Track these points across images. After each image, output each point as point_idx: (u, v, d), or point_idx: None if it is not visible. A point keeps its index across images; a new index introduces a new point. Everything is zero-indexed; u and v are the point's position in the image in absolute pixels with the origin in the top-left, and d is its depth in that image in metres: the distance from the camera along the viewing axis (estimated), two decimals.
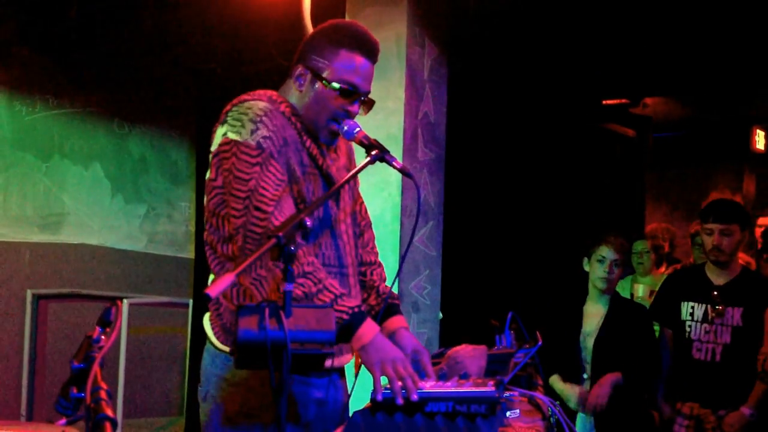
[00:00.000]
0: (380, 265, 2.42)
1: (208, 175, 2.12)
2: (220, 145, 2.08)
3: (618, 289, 4.06)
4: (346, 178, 2.10)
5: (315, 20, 4.46)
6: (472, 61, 5.56)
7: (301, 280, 1.96)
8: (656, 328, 4.12)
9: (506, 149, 6.29)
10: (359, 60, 2.13)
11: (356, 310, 2.02)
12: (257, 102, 2.10)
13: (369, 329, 2.02)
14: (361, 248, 2.37)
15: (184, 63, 6.13)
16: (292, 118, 2.13)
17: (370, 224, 2.45)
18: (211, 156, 2.12)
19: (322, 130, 2.16)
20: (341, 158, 2.28)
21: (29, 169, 5.62)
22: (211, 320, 2.18)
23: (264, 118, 2.05)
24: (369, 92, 2.18)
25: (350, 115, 2.15)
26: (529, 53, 5.93)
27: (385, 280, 2.40)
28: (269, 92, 2.17)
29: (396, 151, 4.34)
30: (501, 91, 6.15)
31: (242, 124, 2.05)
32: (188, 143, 6.39)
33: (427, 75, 4.61)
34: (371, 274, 2.37)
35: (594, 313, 3.86)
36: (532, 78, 6.21)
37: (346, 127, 2.16)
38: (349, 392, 2.30)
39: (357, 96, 2.14)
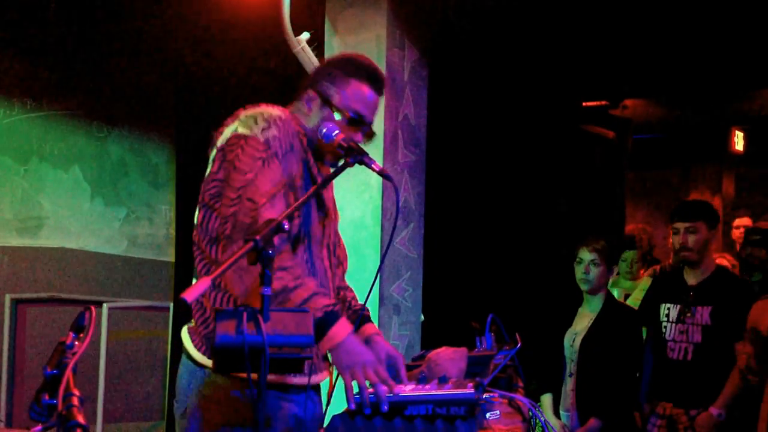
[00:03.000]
0: (351, 289, 2.46)
1: (209, 169, 2.14)
2: (228, 139, 2.12)
3: None
4: (322, 181, 2.10)
5: (294, 24, 4.44)
6: (452, 63, 5.57)
7: (280, 273, 1.94)
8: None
9: (487, 151, 6.31)
10: (368, 91, 2.22)
11: (330, 309, 2.01)
12: (274, 109, 2.17)
13: (341, 330, 2.01)
14: (338, 279, 2.40)
15: (164, 66, 6.10)
16: (300, 134, 2.18)
17: (346, 257, 2.48)
18: (216, 151, 2.14)
19: (328, 154, 2.22)
20: (329, 189, 2.35)
21: (7, 172, 5.56)
22: (191, 332, 2.13)
23: (278, 121, 2.12)
24: (372, 123, 2.25)
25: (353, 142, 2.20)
26: (508, 55, 5.94)
27: (355, 299, 2.43)
28: (284, 108, 2.24)
29: (376, 153, 4.34)
30: (481, 93, 6.17)
31: (255, 121, 2.11)
32: (168, 146, 6.35)
33: (407, 77, 4.61)
34: (344, 295, 2.41)
35: (586, 314, 3.91)
36: (512, 80, 6.22)
37: (324, 130, 2.17)
38: (325, 406, 2.30)
39: (363, 125, 2.21)
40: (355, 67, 2.23)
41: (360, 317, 2.29)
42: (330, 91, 2.20)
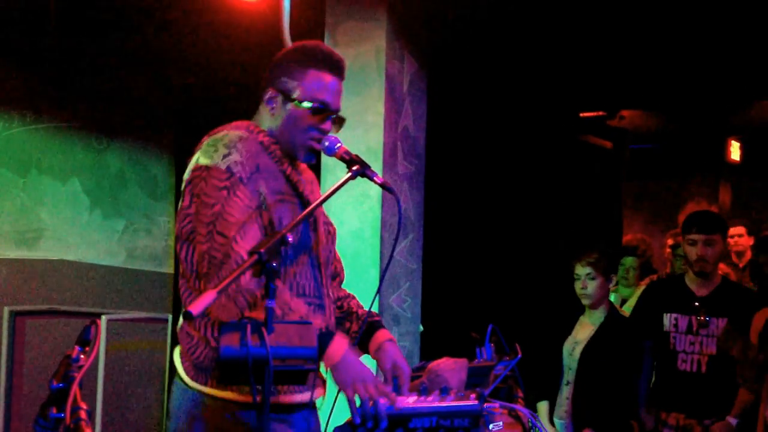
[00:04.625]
0: (354, 296, 2.44)
1: (181, 203, 2.11)
2: (192, 171, 2.09)
3: None
4: (326, 195, 2.10)
5: (294, 35, 4.46)
6: (451, 74, 5.59)
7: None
8: None
9: (485, 162, 6.33)
10: (328, 78, 2.17)
11: (323, 329, 2.03)
12: (234, 131, 2.13)
13: (338, 347, 2.02)
14: (333, 287, 2.37)
15: (163, 78, 6.12)
16: (270, 147, 2.14)
17: (343, 268, 2.45)
18: (184, 184, 2.12)
19: (300, 149, 2.19)
20: (315, 192, 2.30)
21: (6, 184, 5.56)
22: (181, 355, 2.14)
23: (238, 144, 2.07)
24: (339, 109, 2.20)
25: (323, 133, 2.17)
26: (506, 67, 5.97)
27: (361, 307, 2.41)
28: (246, 122, 2.19)
29: (376, 165, 4.35)
30: (479, 104, 6.19)
31: (215, 150, 2.06)
32: (167, 158, 6.36)
33: (407, 89, 4.63)
34: (348, 305, 2.38)
35: (587, 324, 3.91)
36: (509, 91, 6.25)
37: (327, 143, 2.18)
38: (324, 422, 2.28)
39: (329, 113, 2.17)
40: (310, 56, 2.17)
41: (369, 325, 2.28)
42: (289, 85, 2.15)
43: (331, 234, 2.36)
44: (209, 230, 2.00)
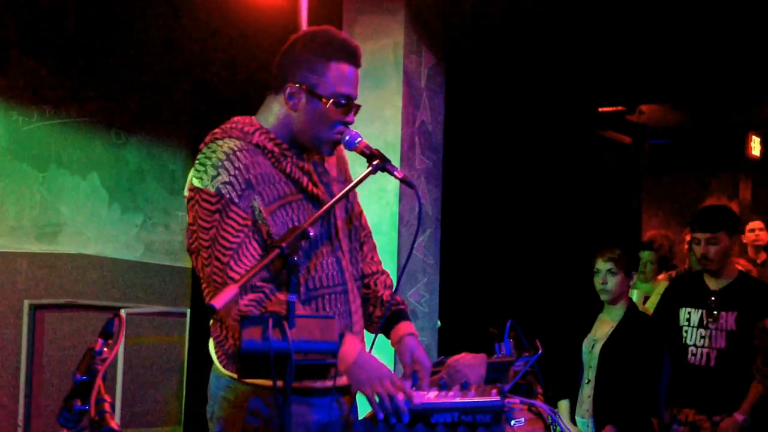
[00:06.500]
0: (384, 272, 2.40)
1: (188, 218, 2.13)
2: (189, 191, 2.10)
3: None
4: (347, 189, 2.09)
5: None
6: (469, 69, 5.57)
7: (274, 307, 1.96)
8: None
9: (503, 157, 6.30)
10: (349, 69, 2.14)
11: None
12: (225, 142, 2.09)
13: (351, 348, 2.01)
14: (362, 261, 2.34)
15: (182, 72, 6.13)
16: (267, 146, 2.11)
17: (371, 234, 2.42)
18: (185, 200, 2.13)
19: (325, 144, 2.16)
20: (331, 171, 2.27)
21: (26, 179, 5.60)
22: (214, 345, 2.19)
23: (226, 162, 2.04)
24: (357, 97, 2.19)
25: (347, 125, 2.16)
26: (525, 61, 5.94)
27: (390, 287, 2.36)
28: (244, 121, 2.15)
29: (393, 160, 4.30)
30: (498, 99, 6.17)
31: (205, 170, 2.05)
32: (185, 152, 6.38)
33: (424, 83, 4.61)
34: (375, 284, 2.34)
35: (606, 321, 3.89)
36: (528, 86, 6.22)
37: (347, 137, 2.17)
38: (354, 409, 2.27)
39: (352, 106, 2.16)
40: (328, 47, 2.12)
41: (393, 313, 2.27)
42: (312, 80, 2.11)
43: (355, 213, 2.32)
44: (209, 254, 2.03)
